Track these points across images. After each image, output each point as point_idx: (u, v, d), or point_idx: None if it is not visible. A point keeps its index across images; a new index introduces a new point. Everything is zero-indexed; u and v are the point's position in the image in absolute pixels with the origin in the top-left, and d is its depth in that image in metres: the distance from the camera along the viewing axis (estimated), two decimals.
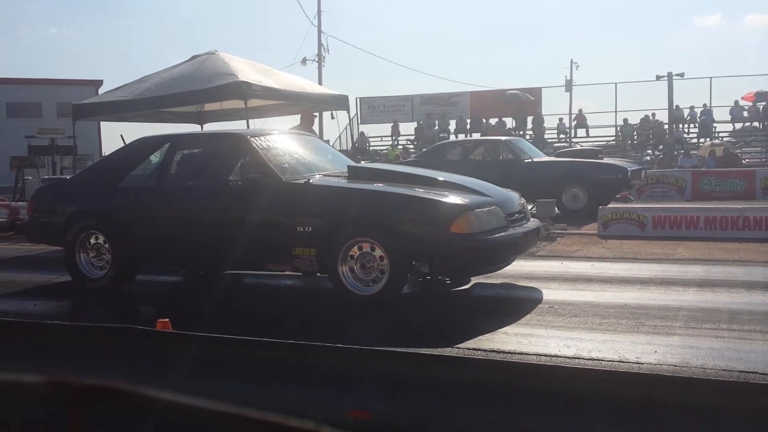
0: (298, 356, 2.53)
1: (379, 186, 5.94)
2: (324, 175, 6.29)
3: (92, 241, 6.72)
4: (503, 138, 15.72)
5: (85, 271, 6.73)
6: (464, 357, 2.62)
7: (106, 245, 6.64)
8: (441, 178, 6.23)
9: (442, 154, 13.86)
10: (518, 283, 6.48)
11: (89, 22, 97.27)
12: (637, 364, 3.93)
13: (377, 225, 5.58)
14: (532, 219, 6.64)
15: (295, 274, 6.30)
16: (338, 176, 6.34)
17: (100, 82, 32.72)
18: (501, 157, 13.29)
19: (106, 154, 11.49)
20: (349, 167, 6.54)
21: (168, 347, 2.68)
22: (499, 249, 5.63)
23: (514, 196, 6.39)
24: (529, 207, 7.19)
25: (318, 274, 5.95)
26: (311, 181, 6.02)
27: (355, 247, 5.60)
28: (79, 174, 8.95)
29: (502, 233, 5.63)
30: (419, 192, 5.71)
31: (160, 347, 2.69)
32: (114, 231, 6.61)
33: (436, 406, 2.44)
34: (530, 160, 13.02)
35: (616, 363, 3.98)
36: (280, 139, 6.77)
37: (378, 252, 5.52)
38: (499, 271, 6.10)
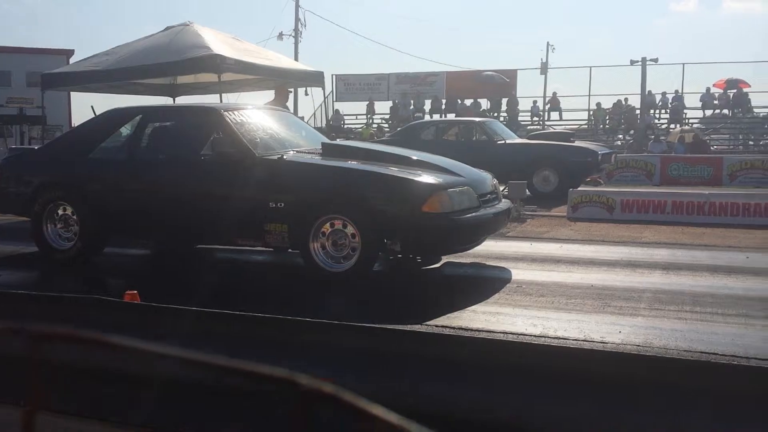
0: (264, 329, 2.55)
1: (352, 164, 5.94)
2: (297, 152, 6.26)
3: (60, 212, 6.63)
4: (477, 119, 15.78)
5: (52, 242, 6.65)
6: (431, 332, 2.67)
7: (74, 217, 6.56)
8: (415, 157, 6.25)
9: (416, 133, 13.87)
10: (488, 263, 6.55)
11: None
12: (602, 344, 4.01)
13: (349, 202, 5.59)
14: (503, 200, 6.70)
15: (267, 249, 6.30)
16: (312, 153, 6.33)
17: (71, 52, 32.10)
18: (474, 138, 13.37)
19: (76, 125, 11.30)
20: (323, 144, 6.53)
21: (144, 319, 2.68)
22: (470, 229, 5.67)
23: (487, 177, 6.44)
24: (501, 188, 7.25)
25: (289, 250, 5.95)
26: (284, 157, 5.99)
27: (327, 224, 5.60)
28: (48, 144, 8.81)
29: (474, 213, 5.67)
30: (392, 170, 5.73)
31: (139, 319, 2.69)
32: (82, 203, 6.53)
33: (402, 380, 2.48)
34: (503, 142, 13.09)
35: (581, 342, 4.06)
36: (253, 114, 6.72)
37: (350, 229, 5.53)
38: (469, 251, 6.16)
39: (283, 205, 5.69)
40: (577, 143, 13.84)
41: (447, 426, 2.35)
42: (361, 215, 5.50)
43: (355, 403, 0.71)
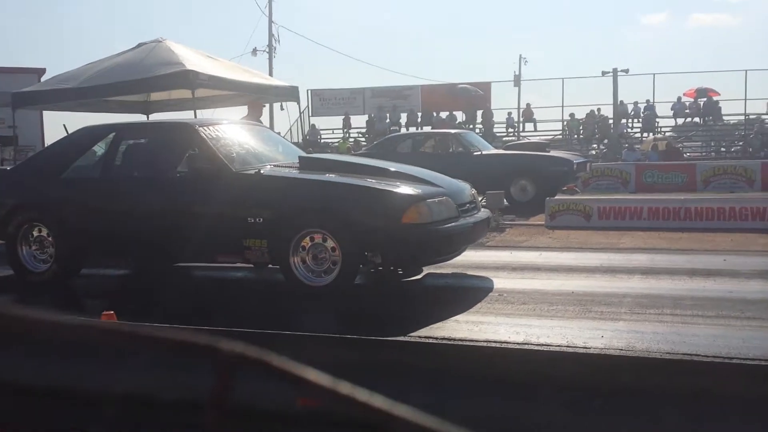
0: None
1: (330, 176, 5.90)
2: (275, 166, 6.21)
3: (35, 233, 6.50)
4: (453, 131, 15.84)
5: (27, 264, 6.49)
6: (413, 341, 2.64)
7: (50, 238, 6.43)
8: (393, 169, 6.23)
9: (392, 146, 13.89)
10: (468, 273, 6.53)
11: (31, 8, 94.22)
12: (585, 349, 4.00)
13: (329, 216, 5.54)
14: (482, 209, 6.70)
15: (246, 265, 6.23)
16: (289, 167, 6.28)
17: (42, 71, 31.61)
18: (451, 150, 13.40)
19: (49, 144, 11.14)
20: (300, 158, 6.48)
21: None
22: (450, 239, 5.65)
23: (465, 187, 6.44)
24: (480, 198, 7.26)
25: (269, 265, 5.89)
26: (262, 171, 5.94)
27: (307, 238, 5.55)
28: (20, 165, 8.66)
29: (453, 223, 5.65)
30: (370, 182, 5.69)
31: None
32: (57, 224, 6.40)
33: (384, 391, 2.44)
34: (479, 153, 13.15)
35: (565, 348, 4.05)
36: (229, 129, 6.65)
37: (330, 243, 5.48)
38: (450, 261, 6.14)
39: (261, 220, 5.62)
40: (553, 153, 13.95)
41: None
42: (341, 228, 5.46)
43: (284, 366, 0.68)
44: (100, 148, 7.35)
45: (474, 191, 6.56)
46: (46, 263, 6.47)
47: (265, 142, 7.04)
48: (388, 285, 6.24)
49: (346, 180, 5.79)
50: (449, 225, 5.60)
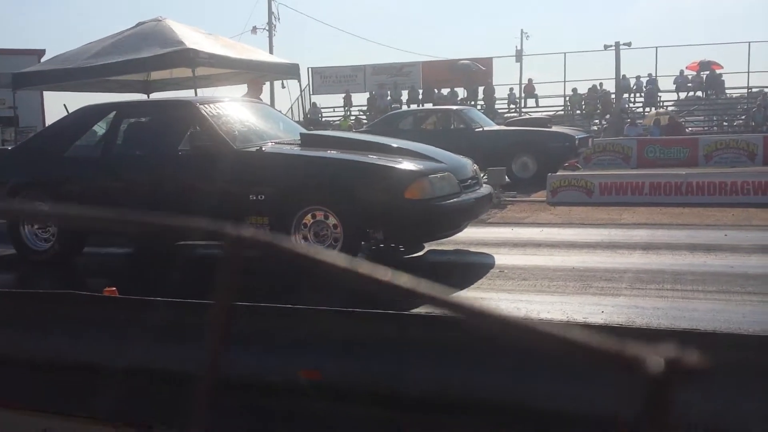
0: (252, 318, 2.53)
1: (332, 153, 5.90)
2: (276, 143, 6.20)
3: None
4: (454, 107, 15.80)
5: (29, 243, 6.55)
6: (412, 314, 2.66)
7: None
8: (395, 145, 6.22)
9: (394, 123, 13.85)
10: (470, 249, 6.56)
11: None
12: (585, 324, 4.03)
13: (330, 192, 5.55)
14: (484, 185, 6.70)
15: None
16: (291, 144, 6.28)
17: (42, 52, 31.51)
18: (452, 127, 13.38)
19: (50, 124, 11.14)
20: (302, 134, 6.48)
21: (124, 313, 2.65)
22: (452, 214, 5.66)
23: (467, 163, 6.43)
24: (481, 174, 7.26)
25: None
26: (263, 149, 5.94)
27: (309, 215, 5.56)
28: (22, 144, 8.66)
29: (456, 199, 5.65)
30: (372, 159, 5.69)
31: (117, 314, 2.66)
32: (59, 202, 6.43)
33: (385, 364, 2.47)
34: (481, 129, 13.12)
35: (565, 323, 4.08)
36: (230, 107, 6.65)
37: (331, 220, 5.50)
38: (450, 238, 6.16)
39: (263, 197, 5.64)
40: (555, 128, 13.90)
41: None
42: (343, 205, 5.46)
43: (293, 248, 0.72)
44: (101, 128, 7.35)
45: (476, 167, 6.56)
46: (48, 242, 6.52)
47: (266, 120, 7.03)
48: (389, 262, 6.26)
49: (348, 156, 5.78)
50: (451, 201, 5.60)
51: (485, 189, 6.49)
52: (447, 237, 6.06)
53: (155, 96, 14.04)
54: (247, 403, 2.47)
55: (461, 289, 5.04)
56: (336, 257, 0.68)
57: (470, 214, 6.00)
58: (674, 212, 8.67)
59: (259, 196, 5.64)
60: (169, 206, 6.01)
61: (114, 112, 6.81)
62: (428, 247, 6.51)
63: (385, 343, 2.44)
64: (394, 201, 5.37)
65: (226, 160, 5.79)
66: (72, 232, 6.46)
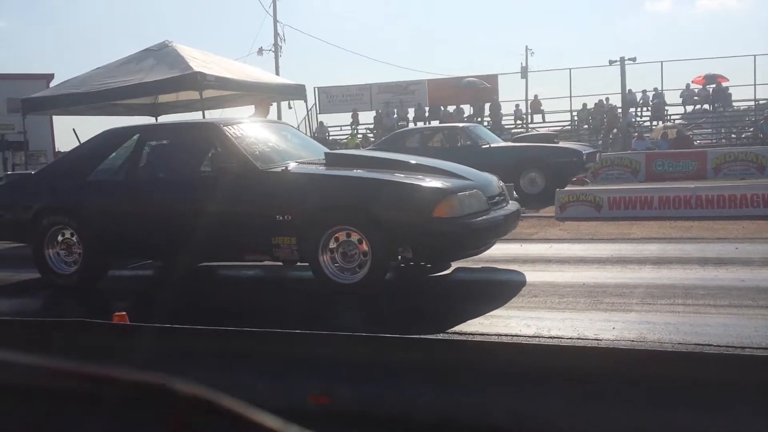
0: (256, 344, 2.52)
1: (358, 172, 5.83)
2: (300, 163, 6.14)
3: (60, 237, 6.53)
4: (461, 125, 15.81)
5: (54, 267, 6.53)
6: (416, 338, 2.64)
7: (76, 240, 6.47)
8: (420, 163, 6.16)
9: (401, 141, 13.87)
10: (477, 266, 6.52)
11: (39, 14, 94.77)
12: (596, 341, 4.00)
13: (358, 212, 5.47)
14: (511, 201, 6.58)
15: (274, 263, 6.20)
16: (315, 163, 6.24)
17: (51, 76, 31.84)
18: (459, 144, 13.39)
19: (59, 149, 11.23)
20: (327, 154, 6.41)
21: (125, 339, 2.64)
22: (481, 232, 5.57)
23: (493, 179, 6.35)
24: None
25: (298, 263, 5.88)
26: (288, 168, 5.89)
27: (337, 235, 5.49)
28: (45, 168, 8.70)
29: (484, 216, 5.59)
30: (400, 177, 5.60)
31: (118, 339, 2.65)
32: (84, 226, 6.42)
33: (394, 388, 2.45)
34: (488, 146, 13.13)
35: (575, 340, 4.05)
36: (252, 128, 6.63)
37: (359, 239, 5.43)
38: (475, 257, 6.07)
39: (290, 217, 5.57)
40: (562, 144, 13.90)
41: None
42: (371, 224, 5.38)
43: (234, 408, 0.68)
44: (123, 151, 7.33)
45: (502, 183, 6.47)
46: (72, 266, 6.51)
47: (288, 140, 6.99)
48: (410, 281, 6.20)
49: (375, 175, 5.69)
50: (480, 218, 5.53)
51: (513, 205, 6.39)
52: (476, 255, 5.98)
53: (163, 119, 14.16)
54: None
55: (472, 307, 5.01)
56: (270, 421, 0.66)
57: (499, 230, 5.90)
58: (684, 226, 8.62)
59: (286, 216, 5.58)
60: (194, 228, 5.93)
61: (137, 135, 6.81)
62: (454, 265, 6.44)
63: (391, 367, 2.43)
64: (422, 220, 5.30)
65: (251, 181, 5.76)
66: (97, 256, 6.44)
